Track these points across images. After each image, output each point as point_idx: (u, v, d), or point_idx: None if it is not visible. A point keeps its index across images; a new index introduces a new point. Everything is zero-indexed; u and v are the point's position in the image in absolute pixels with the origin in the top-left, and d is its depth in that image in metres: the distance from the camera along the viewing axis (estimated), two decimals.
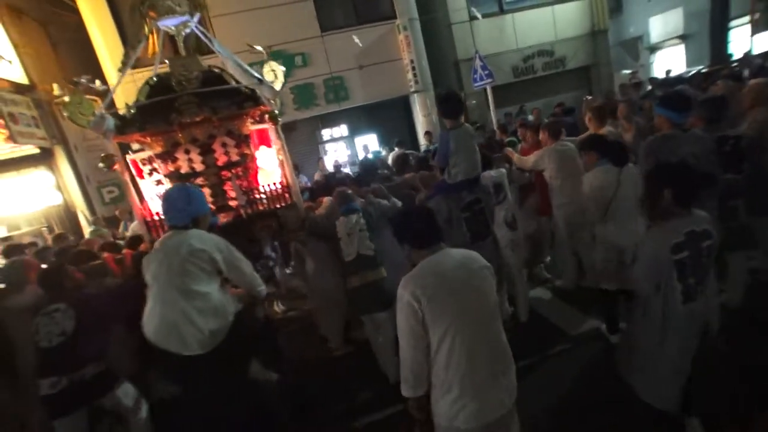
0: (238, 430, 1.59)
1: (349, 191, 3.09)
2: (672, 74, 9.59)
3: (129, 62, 3.19)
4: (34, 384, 2.35)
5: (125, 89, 4.30)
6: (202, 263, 1.62)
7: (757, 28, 10.46)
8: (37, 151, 7.46)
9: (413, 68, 9.01)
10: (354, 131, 9.61)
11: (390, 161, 6.42)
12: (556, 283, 3.94)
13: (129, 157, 3.32)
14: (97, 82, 2.90)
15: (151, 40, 3.23)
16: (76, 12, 7.63)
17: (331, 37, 8.75)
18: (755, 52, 9.54)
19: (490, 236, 2.97)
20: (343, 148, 9.63)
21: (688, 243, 1.78)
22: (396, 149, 7.27)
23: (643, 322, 1.98)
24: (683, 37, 13.05)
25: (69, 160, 7.86)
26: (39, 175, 7.69)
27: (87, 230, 6.86)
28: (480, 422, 1.49)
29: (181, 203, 1.74)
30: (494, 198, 3.14)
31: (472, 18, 9.92)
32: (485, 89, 8.02)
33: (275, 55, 5.48)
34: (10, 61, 7.04)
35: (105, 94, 2.99)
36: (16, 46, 7.22)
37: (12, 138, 6.64)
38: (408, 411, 1.59)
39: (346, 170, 7.78)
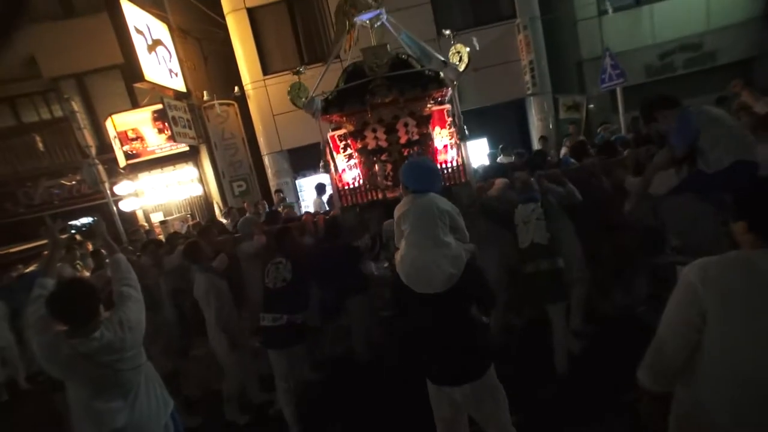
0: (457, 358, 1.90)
1: (532, 178, 3.00)
2: None
3: (333, 53, 3.72)
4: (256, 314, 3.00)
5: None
6: (445, 220, 1.97)
7: None
8: (188, 149, 8.72)
9: (531, 70, 8.45)
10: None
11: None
12: None
13: (329, 133, 3.76)
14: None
15: (350, 34, 3.68)
16: (224, 28, 8.73)
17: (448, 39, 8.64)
18: None
19: None
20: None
21: None
22: (513, 158, 6.87)
23: None
24: None
25: (210, 157, 9.03)
26: (187, 170, 8.99)
27: (221, 218, 7.77)
28: None
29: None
30: None
31: (602, 13, 8.98)
32: (611, 91, 7.17)
33: None
34: (176, 74, 8.34)
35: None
36: (180, 61, 8.54)
37: (173, 137, 7.86)
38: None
39: None
